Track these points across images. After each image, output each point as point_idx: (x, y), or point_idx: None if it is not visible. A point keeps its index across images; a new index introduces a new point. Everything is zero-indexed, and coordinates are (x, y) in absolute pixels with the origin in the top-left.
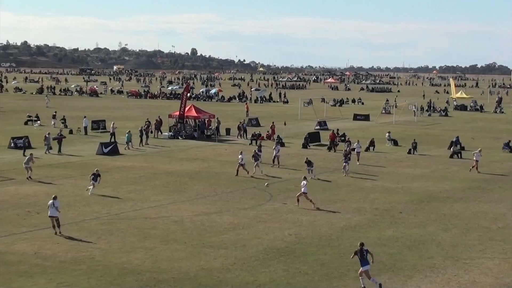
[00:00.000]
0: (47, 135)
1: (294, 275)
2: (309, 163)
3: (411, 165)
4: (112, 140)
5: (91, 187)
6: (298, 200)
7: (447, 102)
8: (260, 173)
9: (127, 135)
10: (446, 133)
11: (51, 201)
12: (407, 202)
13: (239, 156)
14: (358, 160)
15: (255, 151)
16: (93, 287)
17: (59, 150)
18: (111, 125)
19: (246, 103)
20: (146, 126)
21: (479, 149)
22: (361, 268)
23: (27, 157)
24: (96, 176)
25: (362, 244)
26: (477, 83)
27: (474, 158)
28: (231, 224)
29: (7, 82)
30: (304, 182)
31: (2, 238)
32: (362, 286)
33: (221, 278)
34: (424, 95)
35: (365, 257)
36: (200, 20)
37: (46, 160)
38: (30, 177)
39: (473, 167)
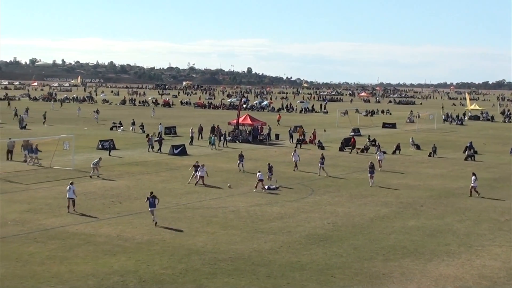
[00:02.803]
0: (150, 137)
1: (331, 257)
2: (270, 169)
3: (431, 166)
4: (192, 142)
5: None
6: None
7: (464, 114)
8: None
9: (211, 138)
10: (461, 139)
11: (69, 186)
12: (427, 197)
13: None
14: (380, 167)
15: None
16: (164, 264)
17: (159, 149)
18: (190, 130)
19: (279, 114)
20: (223, 131)
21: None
22: (150, 208)
23: (96, 160)
24: (270, 168)
25: (151, 193)
26: (497, 97)
27: (377, 158)
28: (279, 214)
29: (96, 95)
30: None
31: (91, 223)
32: (153, 219)
33: (270, 258)
34: (442, 107)
35: (152, 202)
36: (254, 44)
37: (127, 159)
38: (98, 176)
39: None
